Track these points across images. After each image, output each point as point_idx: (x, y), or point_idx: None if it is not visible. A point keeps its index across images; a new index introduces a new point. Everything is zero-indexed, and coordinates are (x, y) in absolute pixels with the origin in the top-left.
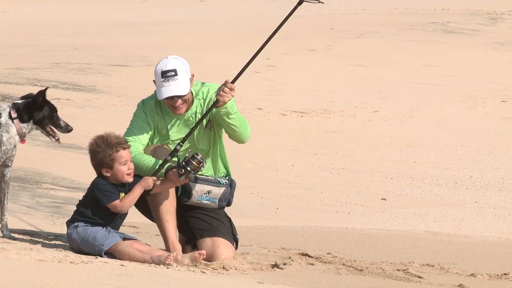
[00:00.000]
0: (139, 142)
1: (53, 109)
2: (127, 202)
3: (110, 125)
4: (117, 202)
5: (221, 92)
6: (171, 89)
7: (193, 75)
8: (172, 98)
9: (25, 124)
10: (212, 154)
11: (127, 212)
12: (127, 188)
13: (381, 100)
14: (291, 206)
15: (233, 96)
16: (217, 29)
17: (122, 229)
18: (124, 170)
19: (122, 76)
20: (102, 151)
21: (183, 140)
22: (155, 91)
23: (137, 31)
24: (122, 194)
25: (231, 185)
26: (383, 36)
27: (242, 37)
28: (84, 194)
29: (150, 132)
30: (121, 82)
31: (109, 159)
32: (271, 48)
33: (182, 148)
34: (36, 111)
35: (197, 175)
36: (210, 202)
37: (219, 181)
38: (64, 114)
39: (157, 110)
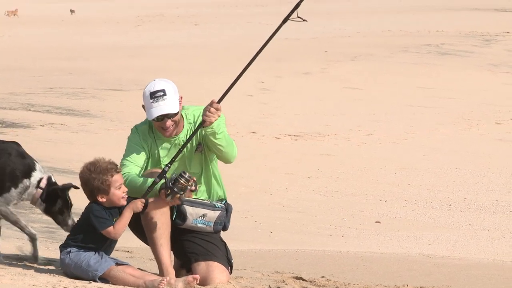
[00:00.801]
0: (135, 165)
1: (66, 206)
2: (119, 228)
3: (104, 150)
4: (110, 228)
5: (207, 112)
6: (161, 108)
7: (181, 97)
8: (162, 119)
9: (40, 201)
10: (205, 178)
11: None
12: (120, 211)
13: (375, 123)
14: (285, 229)
15: (219, 116)
16: (210, 52)
17: (115, 253)
18: (120, 194)
19: (116, 100)
20: (97, 177)
21: (171, 162)
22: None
23: (131, 55)
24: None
25: (227, 209)
26: (377, 58)
27: (235, 60)
28: (78, 219)
29: (145, 156)
30: (115, 107)
31: (105, 184)
32: (265, 71)
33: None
34: (51, 200)
35: (193, 199)
36: (205, 226)
37: (215, 205)
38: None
39: (150, 134)
